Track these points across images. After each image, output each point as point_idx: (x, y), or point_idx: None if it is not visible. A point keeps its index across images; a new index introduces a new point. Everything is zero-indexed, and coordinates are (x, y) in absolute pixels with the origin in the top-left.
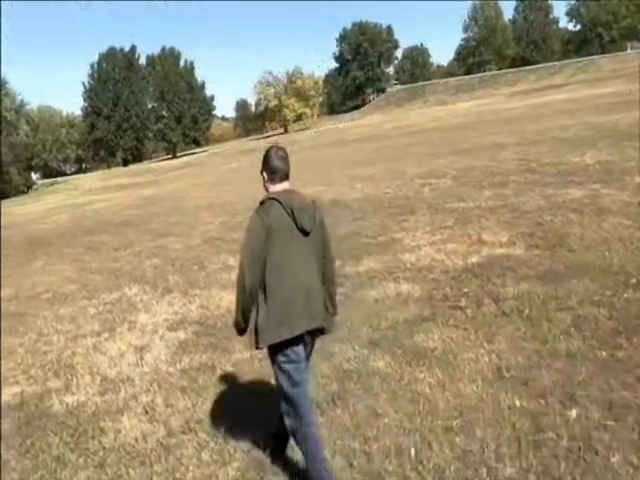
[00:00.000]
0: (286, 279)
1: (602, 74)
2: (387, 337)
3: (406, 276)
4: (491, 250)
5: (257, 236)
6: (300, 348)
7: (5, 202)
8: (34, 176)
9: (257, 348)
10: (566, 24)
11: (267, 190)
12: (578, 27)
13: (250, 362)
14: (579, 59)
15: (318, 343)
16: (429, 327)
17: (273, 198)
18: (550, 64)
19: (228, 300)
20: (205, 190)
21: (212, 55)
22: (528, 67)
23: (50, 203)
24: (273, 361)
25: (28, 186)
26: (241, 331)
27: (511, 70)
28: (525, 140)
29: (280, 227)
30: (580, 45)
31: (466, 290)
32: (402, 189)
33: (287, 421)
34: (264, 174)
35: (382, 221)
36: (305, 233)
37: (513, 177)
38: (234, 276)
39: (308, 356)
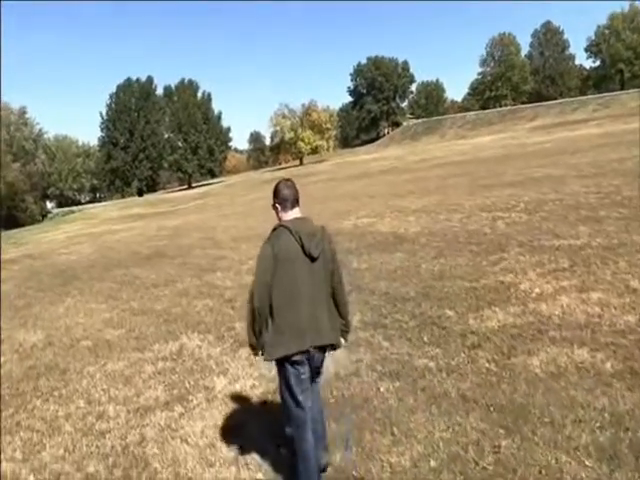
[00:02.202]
0: (292, 300)
1: (626, 110)
2: (622, 442)
3: (566, 336)
4: None
5: (266, 264)
6: (306, 368)
7: (22, 230)
8: (49, 205)
9: (266, 360)
10: (584, 60)
11: (280, 219)
12: (597, 63)
13: (403, 462)
14: (600, 95)
15: (514, 452)
16: None
17: (283, 226)
18: (570, 99)
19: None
20: (234, 221)
21: (223, 88)
22: (547, 102)
23: (69, 232)
24: (280, 378)
25: (43, 215)
26: (254, 348)
27: (530, 105)
28: (584, 172)
29: (288, 253)
30: (600, 81)
31: None
32: (469, 223)
33: (287, 429)
34: (276, 205)
35: (470, 260)
36: (312, 259)
37: (602, 212)
38: None
39: (318, 372)
